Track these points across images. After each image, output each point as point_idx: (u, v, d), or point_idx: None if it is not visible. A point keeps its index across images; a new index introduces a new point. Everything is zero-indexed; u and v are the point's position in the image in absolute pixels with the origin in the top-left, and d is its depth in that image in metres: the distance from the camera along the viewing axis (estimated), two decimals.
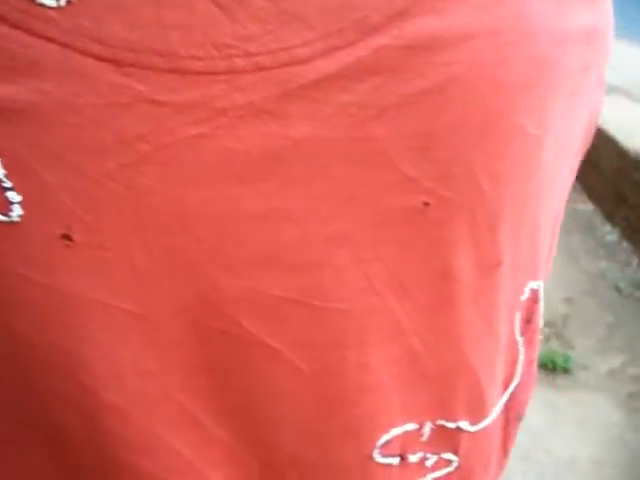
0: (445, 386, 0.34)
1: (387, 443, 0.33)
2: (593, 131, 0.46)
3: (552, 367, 2.03)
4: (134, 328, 0.27)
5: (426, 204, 0.28)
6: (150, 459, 0.30)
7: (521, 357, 0.38)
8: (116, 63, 0.23)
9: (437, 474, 0.37)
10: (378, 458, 0.33)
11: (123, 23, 0.23)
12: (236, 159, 0.25)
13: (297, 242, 0.27)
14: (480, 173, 0.29)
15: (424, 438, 0.34)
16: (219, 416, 0.30)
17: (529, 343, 0.39)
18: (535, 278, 0.36)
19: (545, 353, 2.04)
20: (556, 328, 2.21)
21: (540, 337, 0.40)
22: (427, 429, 0.34)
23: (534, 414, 1.89)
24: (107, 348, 0.27)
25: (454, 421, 0.35)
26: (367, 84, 0.26)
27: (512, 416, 0.41)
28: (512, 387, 0.39)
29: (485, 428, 0.37)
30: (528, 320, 0.37)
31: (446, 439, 0.36)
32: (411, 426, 0.34)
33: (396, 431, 0.33)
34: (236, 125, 0.25)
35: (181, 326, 0.28)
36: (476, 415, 0.36)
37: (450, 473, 0.37)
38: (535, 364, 0.41)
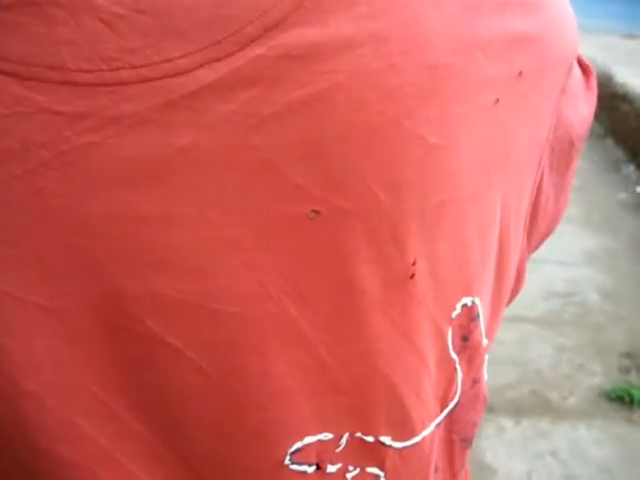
0: (361, 399, 0.33)
1: (300, 451, 0.33)
2: (579, 140, 0.44)
3: (629, 401, 1.93)
4: (47, 321, 0.28)
5: (316, 212, 0.29)
6: (69, 447, 0.31)
7: (459, 376, 0.37)
8: (17, 76, 0.25)
9: None
10: (292, 465, 0.33)
11: (21, 40, 0.25)
12: (127, 166, 0.26)
13: (190, 246, 0.28)
14: (373, 182, 0.29)
15: (340, 449, 0.34)
16: (133, 411, 0.31)
17: (469, 362, 0.37)
18: (468, 294, 0.35)
19: (622, 386, 1.95)
20: (636, 360, 2.11)
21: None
22: (344, 440, 0.34)
23: (604, 448, 1.80)
24: (24, 339, 0.29)
25: (374, 435, 0.34)
26: (247, 93, 0.26)
27: (456, 438, 0.40)
28: (451, 406, 0.38)
29: (417, 446, 0.36)
30: (464, 338, 0.36)
31: (368, 452, 0.35)
32: (326, 436, 0.34)
33: (310, 439, 0.33)
34: (126, 133, 0.26)
35: (91, 322, 0.29)
36: (401, 431, 0.35)
37: None
38: (482, 386, 0.39)
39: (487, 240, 0.36)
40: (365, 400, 0.33)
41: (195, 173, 0.27)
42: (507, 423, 1.97)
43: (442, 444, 0.39)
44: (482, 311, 0.37)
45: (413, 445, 0.36)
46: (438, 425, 0.37)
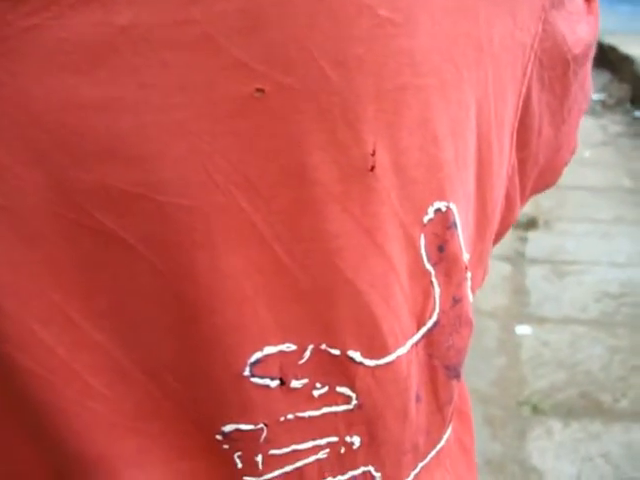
0: (324, 305, 0.31)
1: (261, 362, 0.31)
2: (575, 62, 0.42)
3: None
4: (2, 220, 0.28)
5: (261, 92, 0.27)
6: (27, 355, 0.30)
7: (437, 291, 0.35)
8: None
9: (333, 409, 0.34)
10: (253, 378, 0.32)
11: None
12: (70, 49, 0.26)
13: (133, 133, 0.27)
14: (319, 55, 0.27)
15: (304, 361, 0.32)
16: (92, 318, 0.30)
17: (447, 276, 0.35)
18: (442, 198, 0.33)
19: None
20: None
21: (468, 274, 0.36)
22: (308, 353, 0.32)
23: None
24: None
25: (341, 348, 0.32)
26: None
27: (438, 364, 0.37)
28: (429, 325, 0.35)
29: (391, 367, 0.34)
30: (440, 248, 0.34)
31: (336, 368, 0.33)
32: (289, 347, 0.32)
33: (270, 350, 0.31)
34: (67, 15, 0.25)
35: (45, 220, 0.28)
36: (372, 346, 0.33)
37: (350, 411, 0.34)
38: (465, 307, 0.37)
39: (462, 142, 0.34)
40: (329, 307, 0.32)
41: (136, 53, 0.26)
42: (556, 425, 1.91)
43: (423, 371, 0.37)
44: (460, 222, 0.35)
45: (387, 365, 0.34)
46: (415, 345, 0.35)
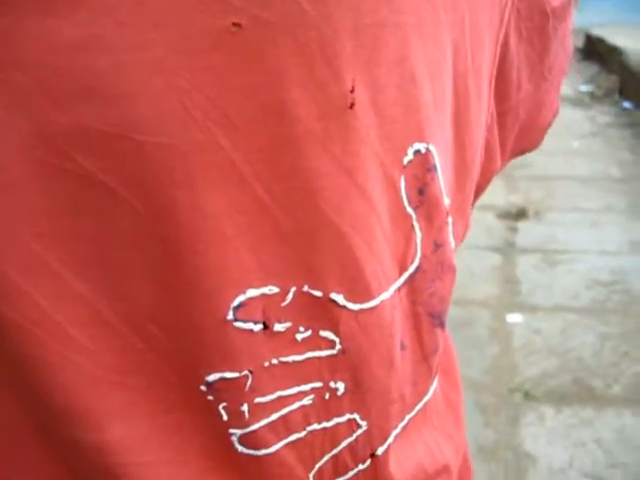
0: (307, 247, 0.31)
1: (244, 306, 0.31)
2: (554, 16, 0.42)
3: None
4: None
5: (238, 26, 0.27)
6: (8, 305, 0.30)
7: (418, 235, 0.35)
8: None
9: (317, 354, 0.34)
10: (236, 323, 0.31)
11: None
12: None
13: (112, 71, 0.27)
14: None
15: (287, 303, 0.32)
16: (74, 266, 0.30)
17: (428, 220, 0.35)
18: (421, 139, 0.33)
19: None
20: None
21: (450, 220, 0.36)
22: (291, 295, 0.32)
23: None
24: None
25: (323, 290, 0.32)
26: None
27: (422, 311, 0.37)
28: (411, 270, 0.35)
29: (375, 312, 0.34)
30: (420, 191, 0.34)
31: (319, 311, 0.33)
32: (271, 289, 0.32)
33: (253, 292, 0.31)
34: None
35: (26, 166, 0.28)
36: (355, 289, 0.33)
37: (334, 357, 0.34)
38: (447, 252, 0.37)
39: (439, 85, 0.34)
40: (311, 248, 0.31)
41: None
42: (548, 411, 1.92)
43: (407, 318, 0.37)
44: (440, 165, 0.35)
45: (371, 309, 0.34)
46: (398, 291, 0.35)
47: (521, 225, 2.98)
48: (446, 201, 0.36)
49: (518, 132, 0.46)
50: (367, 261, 0.33)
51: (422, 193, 0.34)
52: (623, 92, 4.74)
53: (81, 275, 0.30)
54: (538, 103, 0.47)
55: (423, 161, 0.34)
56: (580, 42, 6.03)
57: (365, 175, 0.31)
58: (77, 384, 0.31)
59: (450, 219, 0.37)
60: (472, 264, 2.64)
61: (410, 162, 0.33)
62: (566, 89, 4.89)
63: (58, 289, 0.30)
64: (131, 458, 0.33)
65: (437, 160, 0.34)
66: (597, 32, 5.62)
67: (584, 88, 5.00)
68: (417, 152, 0.33)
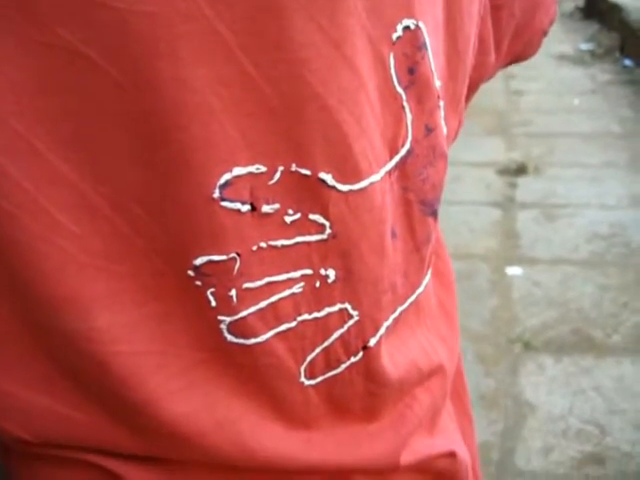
0: (293, 121, 0.31)
1: (231, 185, 0.31)
2: None
3: None
4: None
5: None
6: None
7: (408, 117, 0.34)
8: None
9: (306, 238, 0.34)
10: (223, 202, 0.31)
11: None
12: None
13: None
14: None
15: (274, 181, 0.32)
16: (58, 146, 0.30)
17: (419, 102, 0.35)
18: (411, 15, 0.32)
19: None
20: None
21: (437, 102, 0.36)
22: (278, 174, 0.32)
23: None
24: None
25: (311, 168, 0.32)
26: None
27: (413, 198, 0.37)
28: (402, 153, 0.35)
29: (365, 194, 0.33)
30: (410, 70, 0.33)
31: (307, 193, 0.33)
32: (258, 168, 0.31)
33: (240, 171, 0.31)
34: None
35: (7, 42, 0.28)
36: (344, 170, 0.32)
37: (324, 242, 0.34)
38: (439, 138, 0.36)
39: None
40: (297, 123, 0.31)
41: None
42: (547, 361, 1.93)
43: (398, 205, 0.37)
44: (430, 46, 0.34)
45: (360, 191, 0.33)
46: (389, 175, 0.35)
47: (521, 181, 2.97)
48: (437, 83, 0.35)
49: (514, 33, 0.46)
50: (355, 138, 0.32)
51: (412, 72, 0.34)
52: (624, 50, 4.69)
53: (65, 156, 0.30)
54: (534, 4, 0.46)
55: (412, 38, 0.33)
56: (581, 0, 5.95)
57: (353, 49, 0.31)
58: (63, 270, 0.31)
59: (442, 103, 0.36)
60: (472, 219, 2.64)
61: (399, 39, 0.32)
62: (566, 47, 4.84)
63: (42, 171, 0.30)
64: (120, 347, 0.33)
65: (427, 38, 0.34)
66: None
67: (584, 46, 4.94)
68: (406, 28, 0.33)
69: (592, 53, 4.81)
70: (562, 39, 5.04)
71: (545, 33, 0.51)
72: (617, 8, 4.95)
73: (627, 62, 4.49)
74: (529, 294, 2.20)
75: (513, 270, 2.32)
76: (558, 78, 4.25)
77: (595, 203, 2.71)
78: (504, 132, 3.50)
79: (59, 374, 0.35)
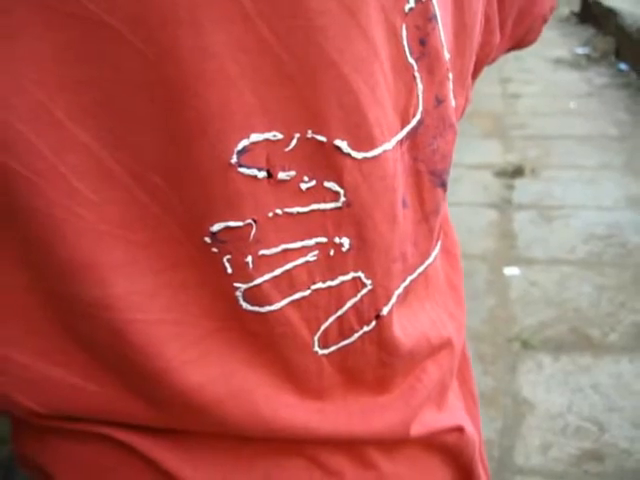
0: (310, 88, 0.32)
1: (248, 151, 0.31)
2: None
3: None
4: None
5: None
6: (11, 155, 0.30)
7: (419, 87, 0.35)
8: None
9: (321, 206, 0.34)
10: (240, 168, 0.32)
11: None
12: None
13: None
14: None
15: (290, 148, 0.32)
16: (77, 115, 0.30)
17: (429, 73, 0.35)
18: None
19: None
20: None
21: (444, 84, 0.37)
22: (295, 141, 0.32)
23: None
24: None
25: (327, 135, 0.33)
26: None
27: (423, 169, 0.38)
28: (413, 123, 0.36)
29: (378, 162, 0.34)
30: (422, 41, 0.34)
31: (323, 160, 0.33)
32: (275, 135, 0.32)
33: (257, 137, 0.32)
34: None
35: (30, 11, 0.28)
36: (359, 137, 0.33)
37: (339, 210, 0.35)
38: (449, 109, 0.37)
39: None
40: (314, 90, 0.32)
41: None
42: (546, 359, 1.93)
43: (408, 175, 0.37)
44: (440, 19, 0.35)
45: (374, 159, 0.34)
46: (400, 144, 0.36)
47: (518, 183, 2.98)
48: (446, 55, 0.36)
49: (516, 16, 0.46)
50: (370, 106, 0.33)
51: (423, 44, 0.34)
52: (619, 54, 4.72)
53: (84, 124, 0.30)
54: None
55: (424, 10, 0.34)
56: (576, 5, 5.98)
57: (368, 18, 0.32)
58: (80, 237, 0.32)
59: (451, 75, 0.37)
60: (469, 220, 2.65)
61: (412, 10, 0.33)
62: (563, 51, 4.87)
63: (62, 139, 0.30)
64: (137, 315, 0.33)
65: (437, 10, 0.35)
66: None
67: (580, 50, 4.97)
68: (418, 0, 0.33)
69: (588, 57, 4.83)
70: (558, 43, 5.07)
71: (545, 19, 0.52)
72: (612, 13, 4.98)
73: (622, 66, 4.52)
74: (527, 294, 2.21)
75: (511, 270, 2.33)
76: (554, 82, 4.28)
77: (592, 204, 2.72)
78: (501, 135, 3.52)
79: (74, 345, 0.35)
